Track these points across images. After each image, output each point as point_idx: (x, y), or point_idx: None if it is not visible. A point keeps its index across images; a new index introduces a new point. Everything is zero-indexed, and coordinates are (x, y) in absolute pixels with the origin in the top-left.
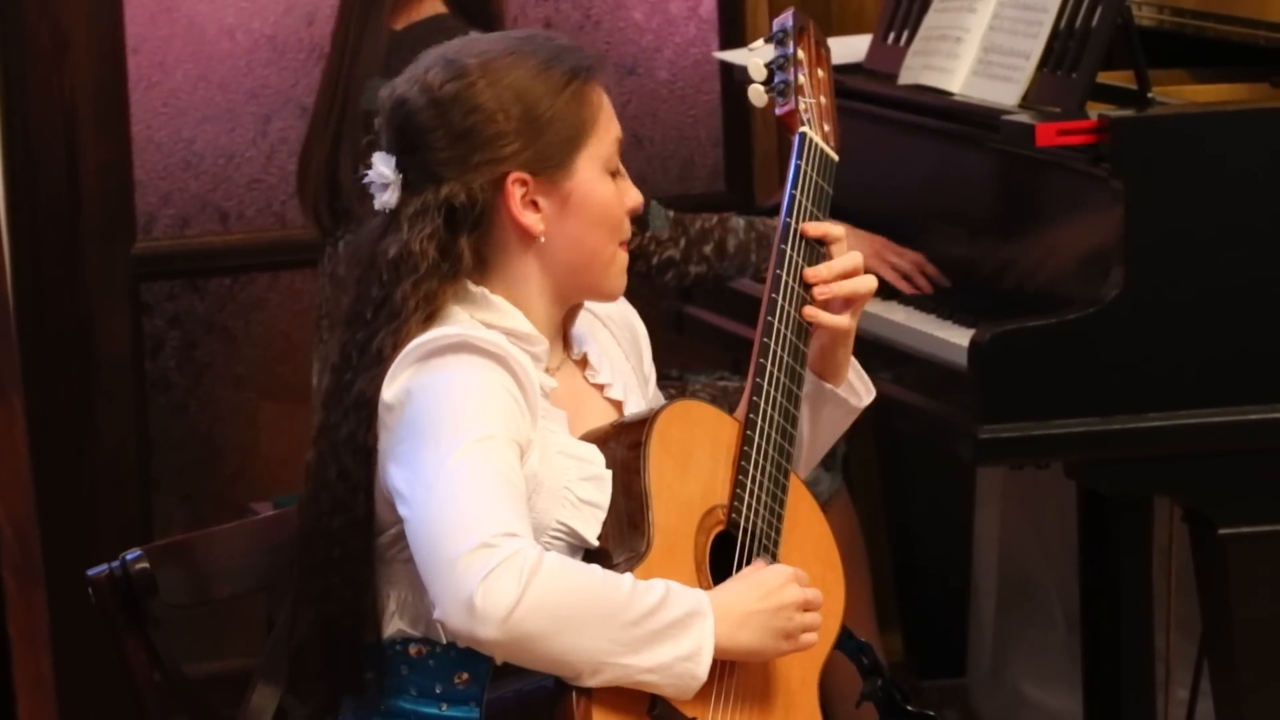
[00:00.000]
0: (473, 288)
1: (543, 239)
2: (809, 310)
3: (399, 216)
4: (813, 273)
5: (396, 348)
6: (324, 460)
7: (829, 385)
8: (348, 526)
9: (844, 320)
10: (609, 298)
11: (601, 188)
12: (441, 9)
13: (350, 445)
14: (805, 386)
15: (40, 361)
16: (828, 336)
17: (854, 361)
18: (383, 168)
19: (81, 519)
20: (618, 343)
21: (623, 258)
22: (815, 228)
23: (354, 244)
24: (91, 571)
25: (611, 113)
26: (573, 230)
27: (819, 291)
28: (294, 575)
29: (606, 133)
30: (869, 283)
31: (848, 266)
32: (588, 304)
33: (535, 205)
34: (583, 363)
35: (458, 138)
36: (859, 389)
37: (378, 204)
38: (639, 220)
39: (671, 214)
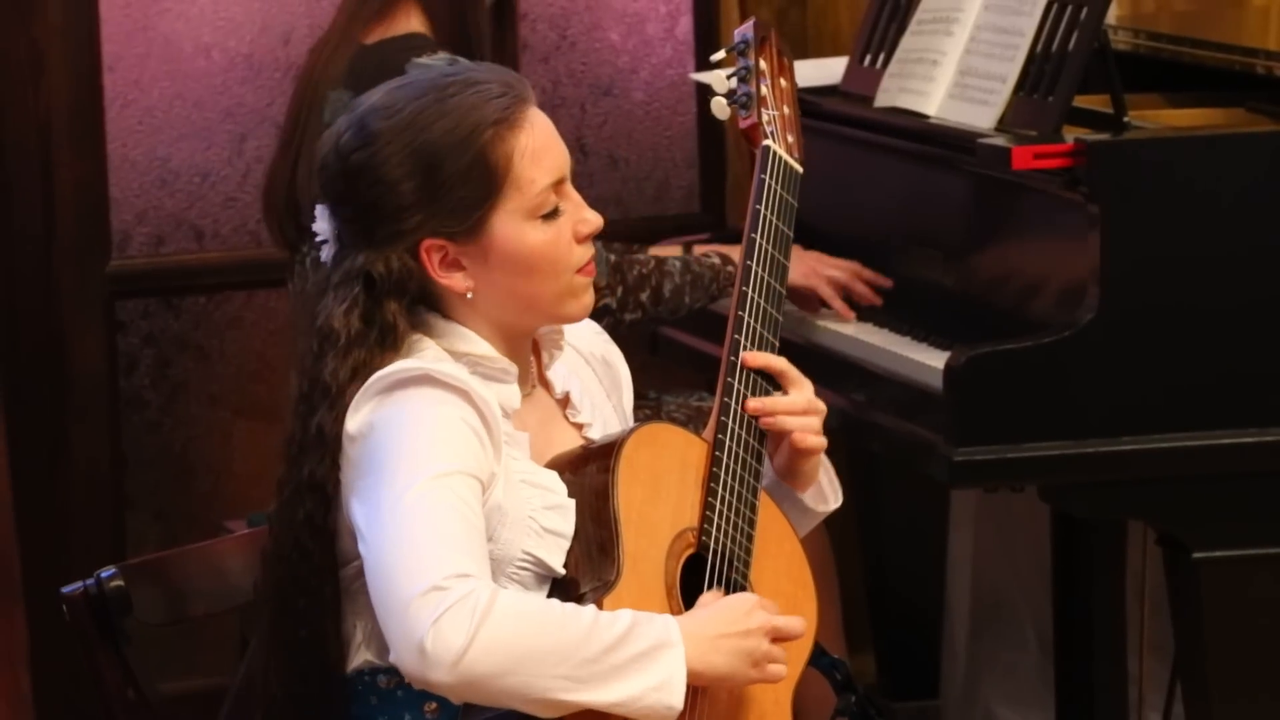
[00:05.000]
0: (436, 318)
1: (471, 295)
2: (797, 437)
3: (330, 279)
4: (756, 404)
5: (336, 423)
6: (286, 505)
7: (795, 491)
8: (312, 574)
9: (822, 441)
10: (569, 322)
11: (527, 238)
12: (418, 28)
13: (310, 484)
14: (765, 481)
15: (14, 379)
16: (798, 453)
17: (827, 463)
18: (321, 222)
19: (56, 536)
20: (599, 380)
21: (580, 283)
22: (757, 359)
23: (306, 291)
24: (66, 589)
25: (538, 151)
26: (502, 282)
27: (764, 423)
28: (260, 616)
29: (528, 183)
30: (817, 441)
31: (796, 405)
32: (569, 342)
33: (459, 264)
34: (565, 401)
35: (363, 210)
36: (827, 494)
37: (322, 257)
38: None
39: (613, 259)
